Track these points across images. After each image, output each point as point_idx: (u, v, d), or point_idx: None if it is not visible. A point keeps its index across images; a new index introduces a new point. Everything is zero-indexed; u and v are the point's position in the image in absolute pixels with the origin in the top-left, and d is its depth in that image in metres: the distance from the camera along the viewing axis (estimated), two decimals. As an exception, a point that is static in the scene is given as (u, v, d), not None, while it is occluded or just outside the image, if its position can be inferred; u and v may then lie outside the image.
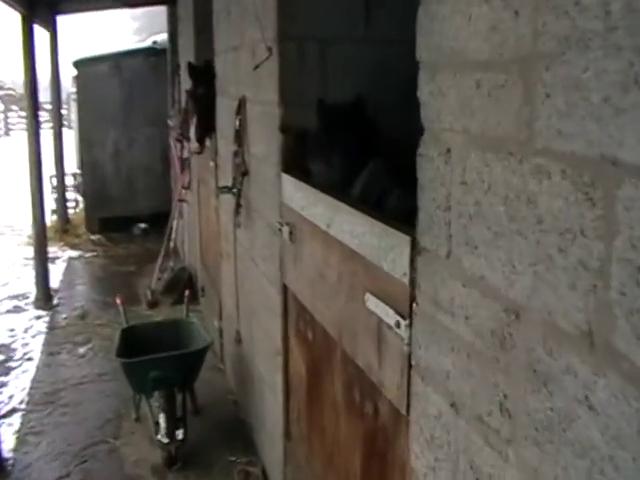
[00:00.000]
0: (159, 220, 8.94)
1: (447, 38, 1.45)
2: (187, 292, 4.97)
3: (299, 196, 2.70)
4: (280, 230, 2.95)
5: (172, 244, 7.34)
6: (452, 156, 1.45)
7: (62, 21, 9.42)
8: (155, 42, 9.61)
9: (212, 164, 5.12)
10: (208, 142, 5.15)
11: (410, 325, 1.70)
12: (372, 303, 1.98)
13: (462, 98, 1.39)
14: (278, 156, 3.00)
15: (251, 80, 3.44)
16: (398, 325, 1.75)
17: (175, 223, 7.34)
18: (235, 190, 3.81)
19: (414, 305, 1.68)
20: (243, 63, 3.62)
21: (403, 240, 1.76)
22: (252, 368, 3.96)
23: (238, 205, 3.79)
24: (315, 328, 2.67)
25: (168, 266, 7.19)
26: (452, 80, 1.44)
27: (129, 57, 9.81)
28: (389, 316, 1.81)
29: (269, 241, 3.29)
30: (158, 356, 3.72)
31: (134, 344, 4.12)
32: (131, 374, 3.84)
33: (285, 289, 3.08)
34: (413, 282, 1.72)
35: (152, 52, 9.62)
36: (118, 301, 4.61)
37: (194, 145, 4.98)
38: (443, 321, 1.52)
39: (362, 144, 2.54)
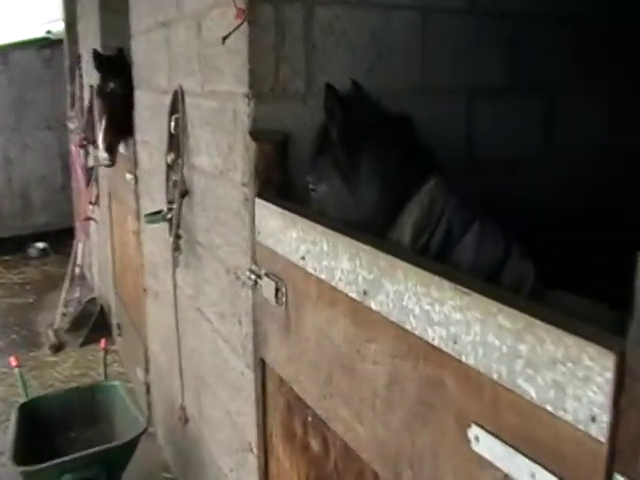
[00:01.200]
0: (60, 238, 7.72)
1: None
2: (103, 341, 3.88)
3: (293, 237, 1.75)
4: (255, 284, 1.99)
5: (78, 270, 6.16)
6: None
7: None
8: (49, 32, 8.27)
9: (130, 177, 4.05)
10: (123, 149, 4.08)
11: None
12: (485, 447, 1.10)
13: None
14: (246, 173, 2.04)
15: (194, 65, 2.44)
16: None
17: (81, 246, 6.15)
18: (171, 216, 2.80)
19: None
20: (181, 43, 2.62)
21: (598, 355, 0.89)
22: (203, 453, 2.95)
23: (176, 237, 2.78)
24: (328, 438, 1.73)
25: (74, 297, 6.02)
26: None
27: (18, 50, 8.43)
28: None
29: (232, 294, 2.31)
30: (73, 457, 2.66)
31: (38, 424, 3.04)
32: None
33: (263, 366, 2.11)
34: (613, 438, 0.86)
35: (46, 43, 8.30)
36: (13, 363, 3.48)
37: (102, 155, 3.91)
38: None
39: (407, 157, 1.63)
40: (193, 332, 2.89)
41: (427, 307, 1.25)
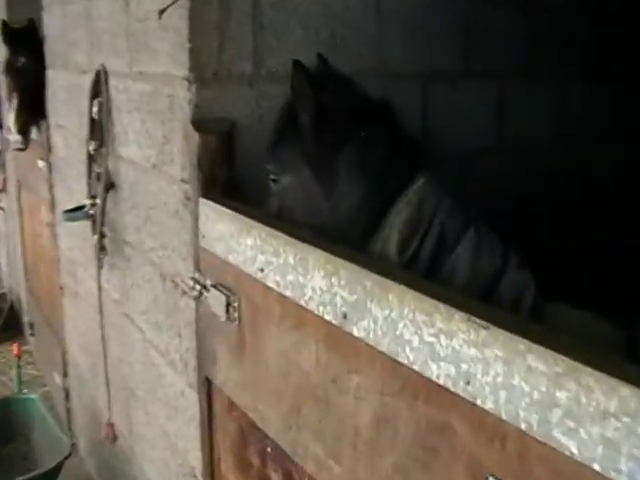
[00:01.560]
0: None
1: None
2: (16, 346, 3.52)
3: (248, 244, 1.51)
4: (200, 295, 1.74)
5: (-17, 262, 5.67)
6: None
7: None
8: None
9: (42, 164, 3.67)
10: (35, 133, 3.69)
11: None
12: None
13: None
14: (186, 168, 1.78)
15: (121, 43, 2.14)
16: None
17: (-14, 236, 5.66)
18: (94, 212, 2.49)
19: None
20: (105, 16, 2.30)
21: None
22: (134, 471, 2.68)
23: (101, 235, 2.48)
24: (293, 473, 1.52)
25: (-20, 293, 5.53)
26: None
27: None
28: None
29: (169, 302, 2.05)
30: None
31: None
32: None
33: (209, 386, 1.87)
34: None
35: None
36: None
37: (14, 138, 3.50)
38: None
39: (394, 149, 1.41)
40: (120, 339, 2.61)
41: (430, 339, 1.05)
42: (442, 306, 1.03)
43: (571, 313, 1.36)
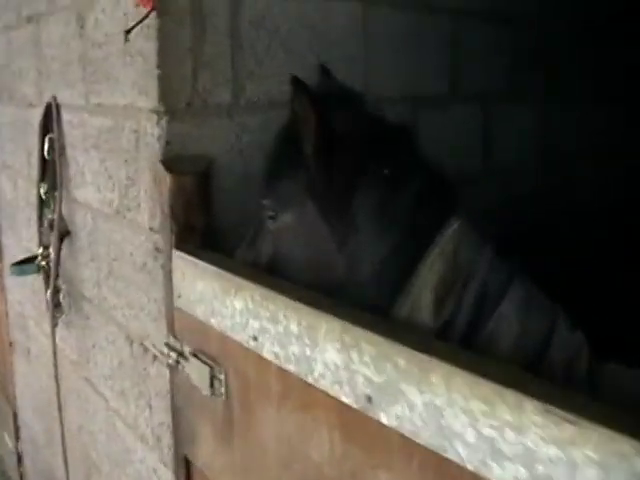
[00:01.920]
0: None
1: None
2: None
3: (237, 307, 1.26)
4: (176, 363, 1.48)
5: None
6: None
7: None
8: None
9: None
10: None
11: None
12: None
13: None
14: (156, 215, 1.53)
15: (76, 72, 1.88)
16: None
17: None
18: (46, 264, 2.20)
19: None
20: (55, 42, 2.03)
21: None
22: None
23: (55, 290, 2.18)
24: None
25: None
26: None
27: None
28: None
29: (137, 368, 1.77)
30: None
31: None
32: None
33: (188, 466, 1.60)
34: None
35: None
36: None
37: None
38: None
39: (424, 188, 1.18)
40: (80, 405, 2.30)
41: (490, 432, 0.82)
42: (508, 392, 0.80)
43: (626, 374, 1.14)
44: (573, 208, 2.48)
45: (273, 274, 1.27)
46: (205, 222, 1.48)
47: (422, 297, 1.08)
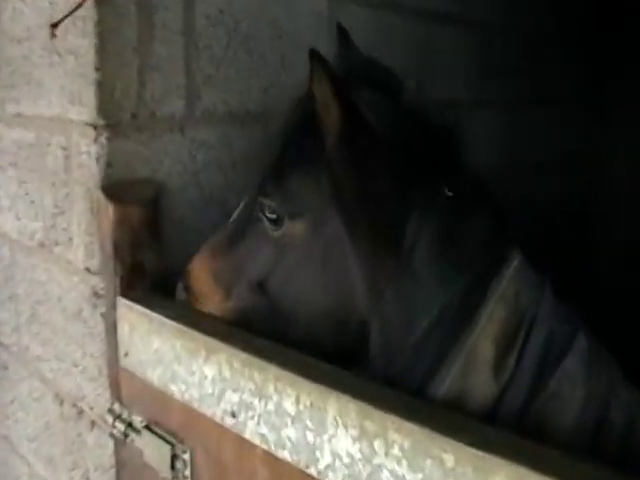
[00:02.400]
0: None
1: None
2: None
3: (208, 375, 0.99)
4: (124, 436, 1.19)
5: None
6: None
7: None
8: None
9: None
10: None
11: None
12: None
13: None
14: (94, 253, 1.24)
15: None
16: None
17: None
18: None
19: None
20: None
21: None
22: None
23: (-36, 334, 1.83)
24: None
25: None
26: None
27: None
28: None
29: (70, 434, 1.46)
30: None
31: None
32: None
33: None
34: None
35: None
36: None
37: None
38: None
39: (480, 209, 0.95)
40: (-3, 468, 1.95)
41: None
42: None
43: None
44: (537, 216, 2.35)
45: (262, 297, 1.01)
46: (157, 262, 1.21)
47: (480, 351, 0.84)
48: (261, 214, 1.01)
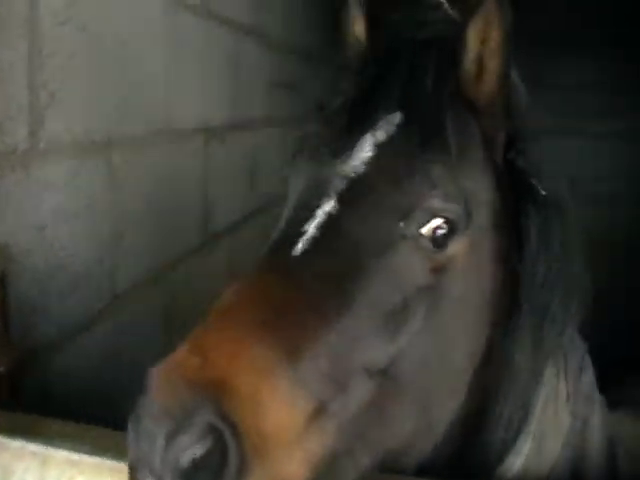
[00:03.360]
0: None
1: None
2: None
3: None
4: None
5: None
6: None
7: None
8: None
9: None
10: None
11: None
12: None
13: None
14: None
15: None
16: None
17: None
18: None
19: None
20: None
21: None
22: None
23: None
24: None
25: None
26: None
27: None
28: None
29: None
30: None
31: None
32: None
33: None
34: None
35: None
36: None
37: None
38: None
39: None
40: None
41: None
42: None
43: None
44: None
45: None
46: (13, 358, 0.84)
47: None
48: (407, 228, 0.62)
